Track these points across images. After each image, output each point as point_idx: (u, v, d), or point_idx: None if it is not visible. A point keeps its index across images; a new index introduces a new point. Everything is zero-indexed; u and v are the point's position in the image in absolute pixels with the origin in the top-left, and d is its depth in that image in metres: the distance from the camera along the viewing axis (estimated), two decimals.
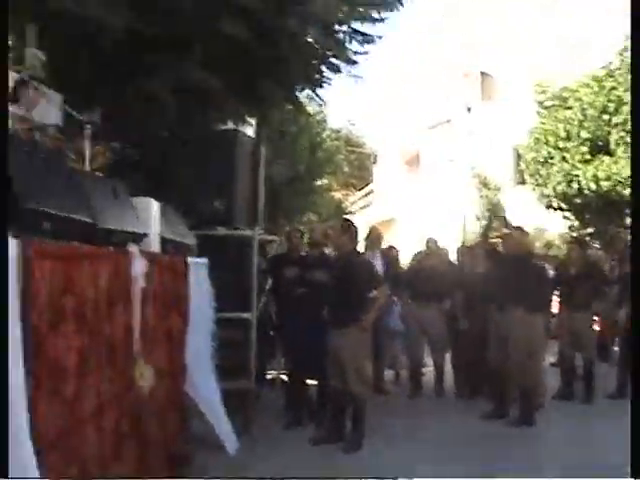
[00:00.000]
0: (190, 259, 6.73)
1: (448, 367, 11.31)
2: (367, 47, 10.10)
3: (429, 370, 11.48)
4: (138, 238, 5.40)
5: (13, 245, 3.17)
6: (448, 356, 11.38)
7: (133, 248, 5.06)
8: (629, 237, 9.65)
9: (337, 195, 34.68)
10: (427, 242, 11.72)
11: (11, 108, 6.45)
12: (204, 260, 7.25)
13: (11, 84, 6.45)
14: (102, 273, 4.40)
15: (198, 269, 6.94)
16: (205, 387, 6.98)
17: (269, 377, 11.04)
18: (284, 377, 9.98)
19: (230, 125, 10.44)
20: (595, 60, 21.99)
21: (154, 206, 5.92)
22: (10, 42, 10.35)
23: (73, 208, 4.17)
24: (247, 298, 8.45)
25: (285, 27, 9.03)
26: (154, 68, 9.00)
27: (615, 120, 20.07)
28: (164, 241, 6.15)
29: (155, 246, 5.87)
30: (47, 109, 7.13)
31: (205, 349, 7.08)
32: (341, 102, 51.54)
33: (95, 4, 8.17)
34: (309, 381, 9.07)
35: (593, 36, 25.26)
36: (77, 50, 9.16)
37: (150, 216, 5.80)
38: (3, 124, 1.90)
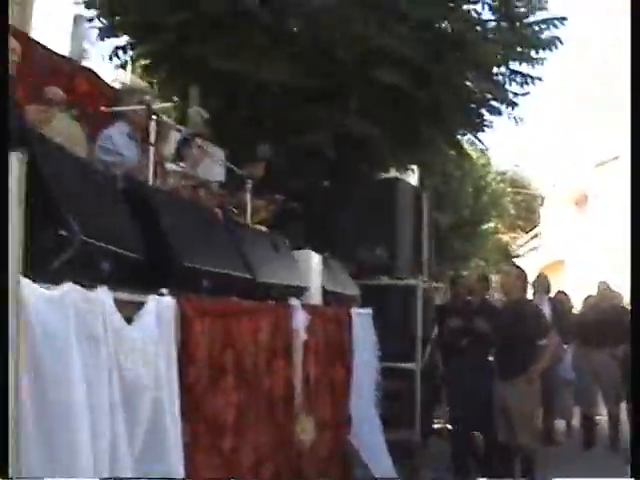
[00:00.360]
0: (353, 310, 6.70)
1: (624, 417, 10.67)
2: (527, 88, 9.89)
3: (603, 420, 10.90)
4: (299, 291, 5.40)
5: (171, 304, 3.21)
6: (623, 405, 10.74)
7: (294, 302, 5.07)
8: None
9: (504, 238, 33.99)
10: (598, 285, 11.20)
11: (175, 166, 6.69)
12: (368, 310, 7.21)
13: (175, 143, 6.68)
14: (262, 327, 4.41)
15: (362, 319, 6.90)
16: (369, 437, 6.88)
17: (435, 427, 10.79)
18: (450, 427, 9.72)
19: (391, 173, 10.46)
20: None
21: (315, 258, 5.94)
22: (174, 101, 10.85)
23: (232, 264, 4.21)
24: (411, 348, 8.31)
25: (443, 73, 8.97)
26: (314, 120, 9.13)
27: None
28: (326, 293, 6.14)
29: (317, 298, 5.86)
30: (210, 165, 7.33)
31: (369, 399, 6.99)
32: (504, 144, 50.64)
33: (254, 61, 8.40)
34: (476, 431, 8.78)
35: None
36: (238, 106, 9.42)
37: (311, 268, 5.81)
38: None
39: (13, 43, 4.82)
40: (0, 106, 1.94)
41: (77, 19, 6.84)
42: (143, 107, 5.07)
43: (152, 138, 4.74)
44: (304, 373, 5.13)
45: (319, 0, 8.69)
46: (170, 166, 6.46)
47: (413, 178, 10.62)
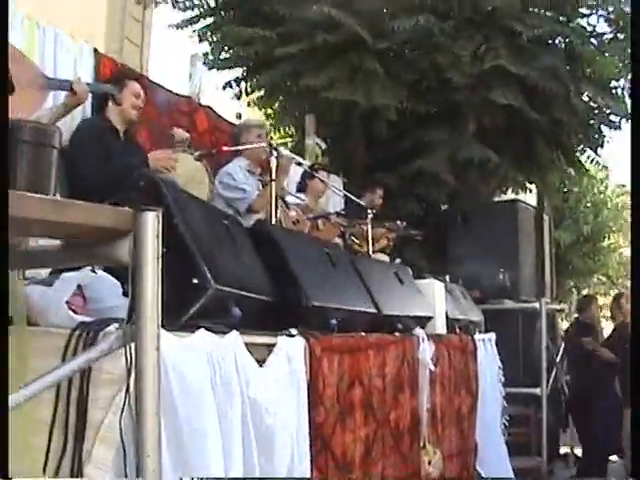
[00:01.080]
0: (477, 335, 6.63)
1: None
2: None
3: None
4: (424, 321, 5.37)
5: (301, 343, 3.24)
6: None
7: (419, 332, 5.03)
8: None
9: (626, 253, 32.89)
10: None
11: (297, 199, 6.77)
12: (491, 335, 7.12)
13: (294, 175, 6.74)
14: (389, 360, 4.39)
15: (486, 345, 6.81)
16: (496, 464, 6.75)
17: (561, 453, 10.51)
18: (578, 452, 9.46)
19: (510, 195, 10.32)
20: None
21: (438, 286, 5.90)
22: (291, 133, 11.03)
23: (358, 299, 4.23)
24: (536, 372, 8.15)
25: (559, 90, 8.80)
26: (430, 145, 9.11)
27: None
28: (450, 320, 6.08)
29: (442, 327, 5.81)
30: (330, 196, 7.41)
31: (495, 425, 6.88)
32: (624, 156, 49.13)
33: (366, 89, 8.46)
34: (605, 457, 8.52)
35: None
36: (354, 134, 9.49)
37: (435, 297, 5.77)
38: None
39: (137, 87, 5.00)
40: None
41: (193, 58, 7.03)
42: (262, 144, 5.14)
43: (273, 173, 4.79)
44: (430, 403, 5.08)
45: (429, 23, 8.67)
46: (291, 199, 6.56)
47: (532, 198, 10.43)
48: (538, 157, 9.71)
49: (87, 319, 2.48)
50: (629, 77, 9.51)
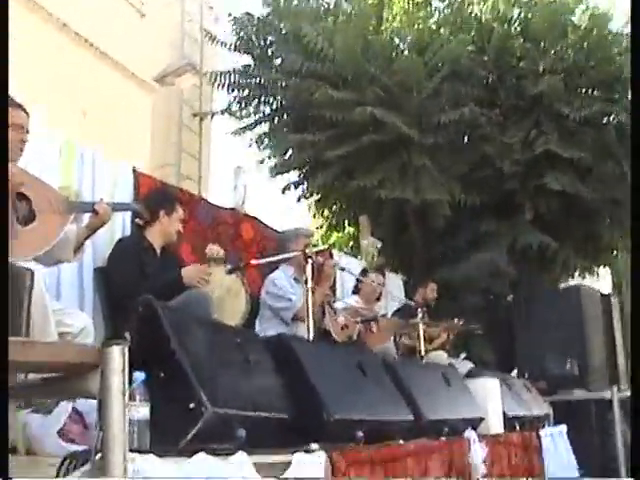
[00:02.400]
0: (544, 430, 6.38)
1: None
2: None
3: None
4: (476, 423, 5.19)
5: (321, 459, 3.15)
6: None
7: (470, 434, 4.87)
8: None
9: None
10: None
11: (353, 302, 6.74)
12: (561, 428, 6.85)
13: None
14: (432, 468, 4.23)
15: (555, 439, 6.55)
16: None
17: None
18: None
19: (577, 280, 10.09)
20: None
21: (491, 385, 5.71)
22: (351, 234, 11.05)
23: (394, 408, 4.12)
24: (614, 464, 7.76)
25: (614, 169, 8.65)
26: (487, 235, 9.02)
27: None
28: (509, 418, 5.87)
29: (497, 426, 5.60)
30: (389, 297, 7.35)
31: None
32: None
33: (417, 185, 8.47)
34: None
35: None
36: (409, 230, 9.47)
37: (488, 396, 5.59)
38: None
39: (182, 213, 5.10)
40: None
41: (237, 170, 7.16)
42: (297, 253, 5.15)
43: (309, 282, 4.77)
44: None
45: (475, 114, 8.70)
46: (342, 304, 6.52)
47: (597, 282, 10.16)
48: (600, 239, 9.51)
49: (80, 448, 2.48)
50: None
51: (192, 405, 2.63)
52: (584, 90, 9.39)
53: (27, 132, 3.86)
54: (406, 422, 4.22)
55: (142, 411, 2.53)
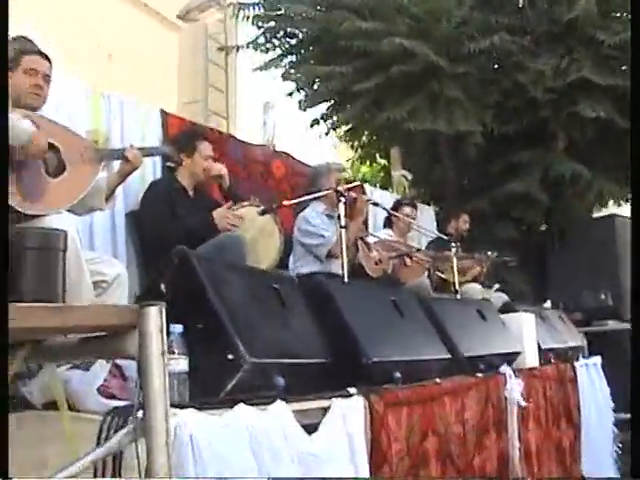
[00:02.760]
0: (579, 362, 6.38)
1: None
2: None
3: None
4: (512, 357, 5.19)
5: (359, 403, 3.16)
6: None
7: (505, 369, 4.87)
8: None
9: None
10: None
11: (384, 236, 6.70)
12: (596, 359, 6.83)
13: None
14: (469, 405, 4.25)
15: (589, 370, 6.54)
16: None
17: None
18: None
19: (611, 209, 9.97)
20: None
21: (527, 319, 5.69)
22: (382, 165, 10.97)
23: (430, 347, 4.12)
24: None
25: None
26: (520, 165, 8.91)
27: None
28: (544, 351, 5.86)
29: (533, 360, 5.60)
30: (420, 229, 7.29)
31: (606, 454, 6.56)
32: None
33: (449, 116, 8.35)
34: None
35: None
36: (441, 162, 9.37)
37: (524, 330, 5.57)
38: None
39: (207, 149, 5.07)
40: None
41: (266, 106, 7.09)
42: (329, 191, 5.11)
43: (342, 220, 4.74)
44: (523, 442, 4.89)
45: (506, 42, 8.51)
46: (375, 238, 6.48)
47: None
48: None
49: (121, 403, 2.49)
50: None
51: (230, 356, 2.64)
52: (619, 14, 9.12)
53: (47, 78, 3.82)
54: (442, 360, 4.23)
55: (181, 364, 2.54)
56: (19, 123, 3.26)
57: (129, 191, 4.99)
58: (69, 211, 3.77)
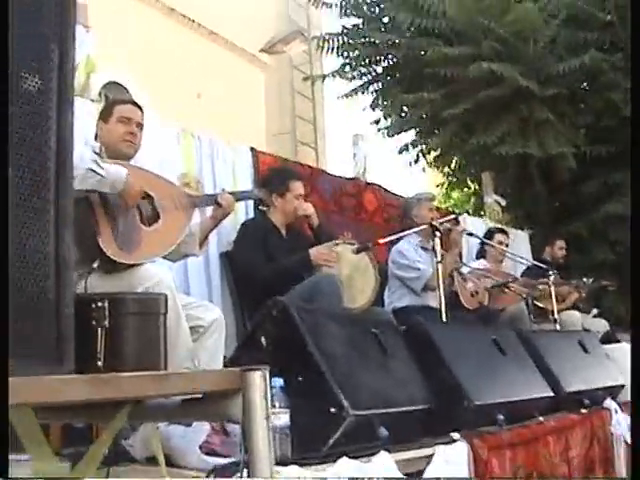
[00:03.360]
0: None
1: None
2: None
3: None
4: (617, 390, 5.05)
5: (463, 448, 3.13)
6: None
7: (610, 404, 4.74)
8: None
9: None
10: None
11: (477, 265, 6.62)
12: None
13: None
14: (574, 443, 4.14)
15: None
16: None
17: None
18: None
19: None
20: None
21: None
22: (473, 190, 10.85)
23: (531, 385, 4.05)
24: None
25: None
26: (615, 186, 8.71)
27: None
28: None
29: None
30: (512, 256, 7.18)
31: None
32: None
33: (539, 139, 8.22)
34: None
35: None
36: (533, 186, 9.23)
37: (627, 361, 5.40)
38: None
39: (299, 188, 5.08)
40: None
41: (355, 138, 7.09)
42: (424, 226, 5.07)
43: (438, 255, 4.71)
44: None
45: (596, 61, 8.34)
46: (470, 269, 6.41)
47: None
48: None
49: (222, 461, 2.52)
50: None
51: (333, 409, 2.63)
52: None
53: (140, 126, 3.89)
54: (545, 398, 4.14)
55: (282, 418, 2.54)
56: (114, 170, 3.33)
57: (222, 232, 5.00)
58: (164, 257, 3.84)
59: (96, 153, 3.70)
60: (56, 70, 2.10)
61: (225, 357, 3.81)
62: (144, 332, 2.14)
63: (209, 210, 4.23)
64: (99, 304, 2.19)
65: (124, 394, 1.87)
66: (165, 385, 1.98)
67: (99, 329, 2.16)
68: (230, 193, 4.21)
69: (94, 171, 3.21)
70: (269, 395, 2.03)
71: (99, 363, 2.17)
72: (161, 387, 1.97)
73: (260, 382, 2.00)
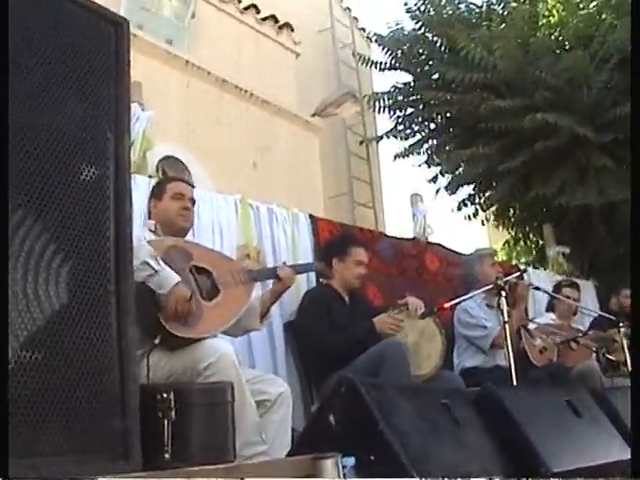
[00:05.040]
0: None
1: None
2: None
3: None
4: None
5: None
6: None
7: None
8: None
9: None
10: None
11: (546, 320, 6.48)
12: None
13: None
14: None
15: None
16: None
17: None
18: None
19: None
20: None
21: None
22: (535, 242, 10.70)
23: (608, 448, 3.90)
24: None
25: None
26: None
27: None
28: None
29: None
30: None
31: None
32: None
33: (599, 188, 8.10)
34: None
35: None
36: (596, 234, 9.07)
37: None
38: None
39: (360, 254, 5.05)
40: None
41: (413, 198, 7.06)
42: (489, 287, 4.97)
43: (505, 314, 4.61)
44: None
45: None
46: (537, 324, 6.29)
47: None
48: None
49: None
50: None
51: None
52: None
53: (192, 201, 3.95)
54: (625, 460, 3.99)
55: None
56: (168, 272, 3.35)
57: (285, 301, 4.96)
58: (225, 333, 3.83)
59: (152, 231, 3.77)
60: (113, 159, 2.14)
61: (294, 430, 3.78)
62: (211, 423, 2.11)
63: (270, 283, 4.24)
64: (164, 395, 2.18)
65: None
66: (237, 475, 1.95)
67: (165, 421, 2.15)
68: (290, 266, 4.22)
69: (149, 265, 3.26)
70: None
71: (167, 456, 2.16)
72: (233, 478, 1.94)
73: (332, 469, 1.97)
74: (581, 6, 9.98)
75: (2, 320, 1.71)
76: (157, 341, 3.23)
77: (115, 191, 2.09)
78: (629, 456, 4.03)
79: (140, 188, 4.35)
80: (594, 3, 10.02)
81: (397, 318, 4.69)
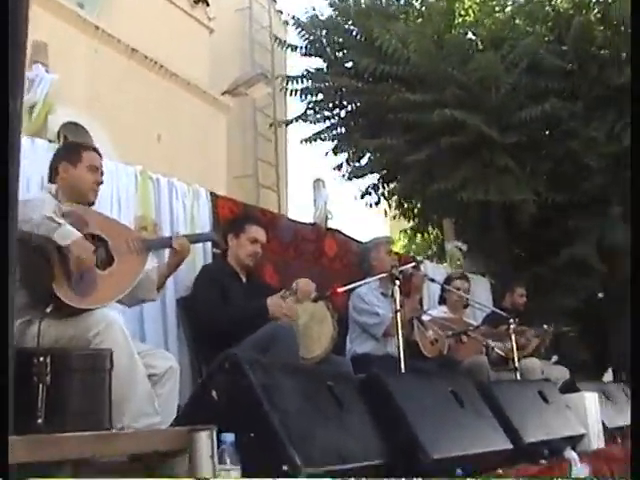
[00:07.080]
0: None
1: None
2: None
3: None
4: (576, 440, 4.99)
5: None
6: None
7: (570, 454, 4.67)
8: None
9: None
10: None
11: (437, 313, 6.58)
12: None
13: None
14: None
15: None
16: None
17: None
18: None
19: None
20: None
21: (590, 399, 5.47)
22: (434, 236, 10.86)
23: (489, 438, 3.97)
24: None
25: None
26: (576, 232, 8.75)
27: None
28: (610, 430, 5.63)
29: (598, 441, 5.36)
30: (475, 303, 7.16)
31: None
32: None
33: (500, 186, 8.26)
34: None
35: None
36: (494, 232, 9.25)
37: (586, 411, 5.35)
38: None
39: (254, 233, 5.01)
40: None
41: (316, 184, 7.03)
42: (383, 274, 4.99)
43: (397, 303, 4.63)
44: None
45: (557, 109, 8.42)
46: (430, 316, 6.36)
47: None
48: None
49: None
50: None
51: (285, 467, 2.54)
52: None
53: (102, 173, 3.88)
54: (505, 450, 4.07)
55: (233, 475, 2.45)
56: (68, 227, 3.28)
57: (179, 276, 4.86)
58: (119, 302, 3.75)
59: (51, 194, 3.66)
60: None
61: (180, 406, 3.72)
62: (89, 390, 2.04)
63: (167, 255, 4.17)
64: (41, 359, 2.11)
65: (66, 455, 1.79)
66: (110, 445, 1.90)
67: (40, 385, 2.08)
68: (185, 236, 4.17)
69: (53, 219, 3.22)
70: (216, 454, 1.96)
71: (39, 421, 2.08)
72: (106, 447, 1.89)
73: (207, 442, 1.94)
74: (497, 9, 10.16)
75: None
76: (49, 310, 3.12)
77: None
78: (510, 446, 4.14)
79: (38, 151, 4.23)
80: (509, 8, 10.22)
81: (290, 306, 4.64)
